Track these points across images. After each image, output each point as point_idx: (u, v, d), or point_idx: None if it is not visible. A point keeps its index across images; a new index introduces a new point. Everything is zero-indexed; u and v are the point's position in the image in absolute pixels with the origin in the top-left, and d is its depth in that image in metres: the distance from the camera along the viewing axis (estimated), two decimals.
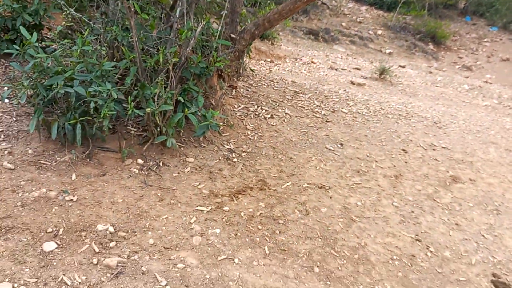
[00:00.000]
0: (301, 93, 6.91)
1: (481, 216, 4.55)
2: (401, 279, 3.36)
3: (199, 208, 3.61)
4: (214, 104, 4.80)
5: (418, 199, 4.58)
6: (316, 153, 5.04)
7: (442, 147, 6.07)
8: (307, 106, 6.39)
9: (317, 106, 6.52)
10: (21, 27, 3.87)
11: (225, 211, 3.65)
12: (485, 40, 17.97)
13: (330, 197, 4.25)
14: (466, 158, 5.86)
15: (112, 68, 3.92)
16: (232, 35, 5.52)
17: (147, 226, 3.27)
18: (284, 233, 3.57)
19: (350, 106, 6.93)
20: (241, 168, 4.32)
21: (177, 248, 3.12)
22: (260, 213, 3.74)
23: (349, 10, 17.09)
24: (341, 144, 5.43)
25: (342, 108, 6.73)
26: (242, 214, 3.67)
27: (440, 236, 4.03)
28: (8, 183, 3.35)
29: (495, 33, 18.90)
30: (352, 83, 9.09)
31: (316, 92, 7.22)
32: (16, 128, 4.00)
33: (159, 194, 3.66)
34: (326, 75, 9.41)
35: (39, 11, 4.99)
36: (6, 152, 3.69)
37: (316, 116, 6.09)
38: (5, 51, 4.38)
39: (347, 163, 5.01)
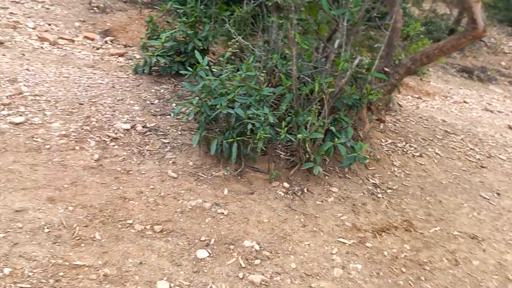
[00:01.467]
0: (453, 133, 6.47)
1: None
2: None
3: (341, 240, 3.56)
4: (362, 136, 4.75)
5: None
6: (468, 199, 4.65)
7: None
8: (459, 148, 5.95)
9: (471, 149, 6.03)
10: (196, 52, 4.31)
11: (368, 247, 3.54)
12: None
13: (483, 250, 3.85)
14: None
15: (270, 94, 4.13)
16: (386, 69, 5.43)
17: (290, 249, 3.32)
18: (430, 281, 3.33)
19: (509, 153, 6.28)
20: (386, 205, 4.17)
21: (318, 277, 3.10)
22: (405, 256, 3.54)
23: (509, 49, 15.65)
24: (498, 194, 4.92)
25: (499, 154, 6.12)
26: (385, 253, 3.52)
27: None
28: (171, 190, 3.70)
29: None
30: (510, 127, 8.24)
31: (469, 134, 6.69)
32: (180, 141, 4.42)
33: (302, 220, 3.70)
34: (480, 116, 8.69)
35: (208, 37, 5.52)
36: (171, 162, 4.09)
37: (469, 160, 5.63)
38: (181, 71, 4.90)
39: (504, 215, 4.51)
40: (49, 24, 8.38)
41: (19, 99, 4.54)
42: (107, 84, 5.36)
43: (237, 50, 4.84)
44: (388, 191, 4.41)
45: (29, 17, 8.41)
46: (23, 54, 6.44)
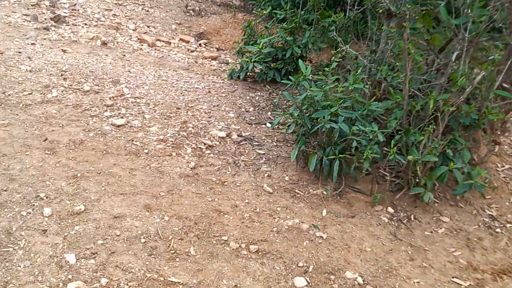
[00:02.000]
0: None
1: None
2: None
3: (455, 280, 3.13)
4: (477, 160, 4.23)
5: None
6: None
7: None
8: None
9: None
10: (300, 61, 4.08)
11: None
12: None
13: None
14: None
15: (377, 109, 3.79)
16: (505, 85, 4.84)
17: (397, 286, 2.97)
18: None
19: None
20: (506, 242, 3.65)
21: None
22: None
23: None
24: None
25: None
26: None
27: None
28: (266, 206, 3.50)
29: None
30: None
31: None
32: (275, 153, 4.22)
33: (409, 252, 3.32)
34: None
35: (308, 44, 5.28)
36: (266, 175, 3.89)
37: None
38: (276, 78, 4.71)
39: None
40: (148, 26, 8.64)
41: (121, 101, 4.61)
42: (203, 89, 5.31)
43: (340, 60, 4.53)
44: (508, 225, 3.87)
45: (130, 19, 8.74)
46: (124, 55, 6.64)
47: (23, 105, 4.19)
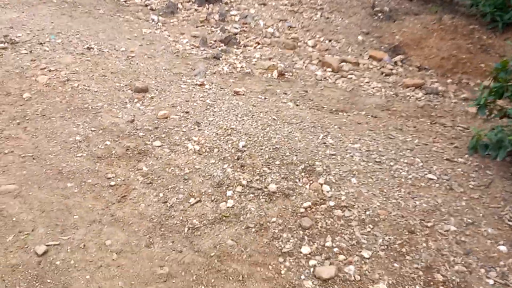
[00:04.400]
0: None
1: None
2: None
3: None
4: None
5: None
6: None
7: None
8: None
9: None
10: None
11: None
12: None
13: None
14: None
15: None
16: None
17: None
18: None
19: None
20: None
21: None
22: None
23: None
24: None
25: None
26: None
27: None
28: None
29: None
30: None
31: None
32: None
33: None
34: None
35: None
36: None
37: None
38: None
39: None
40: (330, 40, 6.97)
41: (323, 216, 3.02)
42: (439, 183, 3.43)
43: None
44: None
45: (307, 31, 7.17)
46: (306, 91, 5.17)
47: (188, 229, 2.86)
